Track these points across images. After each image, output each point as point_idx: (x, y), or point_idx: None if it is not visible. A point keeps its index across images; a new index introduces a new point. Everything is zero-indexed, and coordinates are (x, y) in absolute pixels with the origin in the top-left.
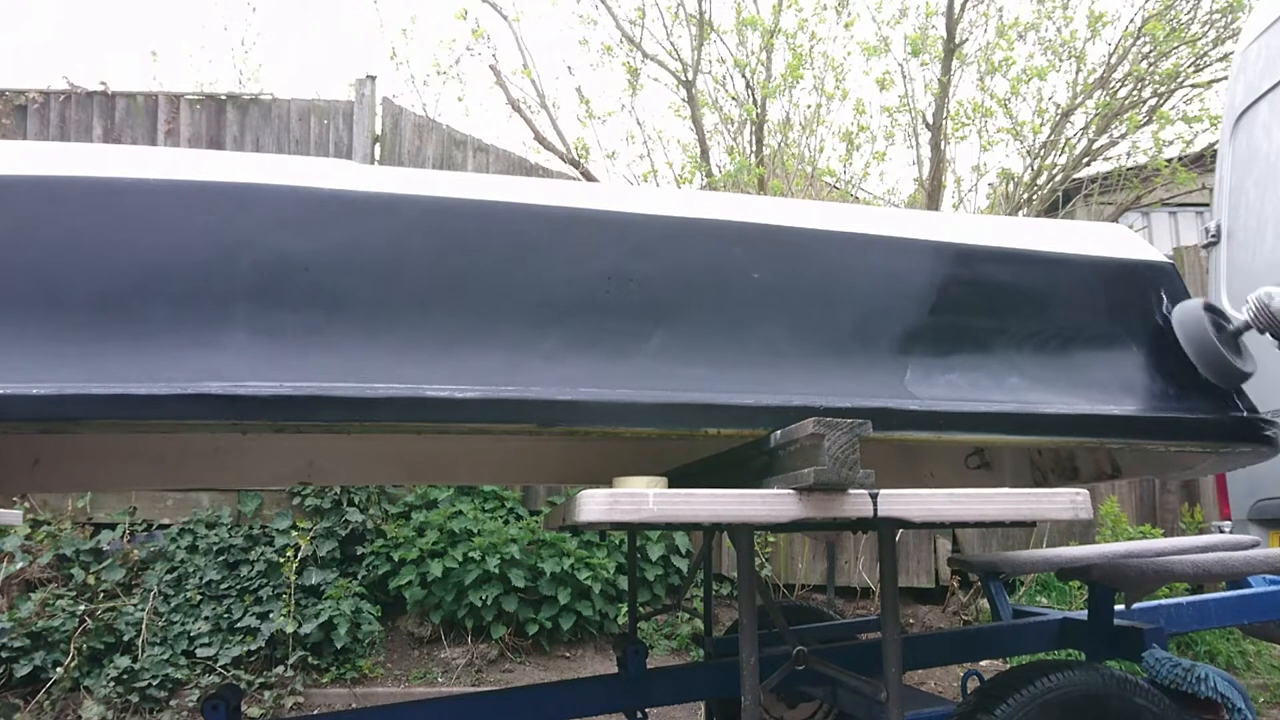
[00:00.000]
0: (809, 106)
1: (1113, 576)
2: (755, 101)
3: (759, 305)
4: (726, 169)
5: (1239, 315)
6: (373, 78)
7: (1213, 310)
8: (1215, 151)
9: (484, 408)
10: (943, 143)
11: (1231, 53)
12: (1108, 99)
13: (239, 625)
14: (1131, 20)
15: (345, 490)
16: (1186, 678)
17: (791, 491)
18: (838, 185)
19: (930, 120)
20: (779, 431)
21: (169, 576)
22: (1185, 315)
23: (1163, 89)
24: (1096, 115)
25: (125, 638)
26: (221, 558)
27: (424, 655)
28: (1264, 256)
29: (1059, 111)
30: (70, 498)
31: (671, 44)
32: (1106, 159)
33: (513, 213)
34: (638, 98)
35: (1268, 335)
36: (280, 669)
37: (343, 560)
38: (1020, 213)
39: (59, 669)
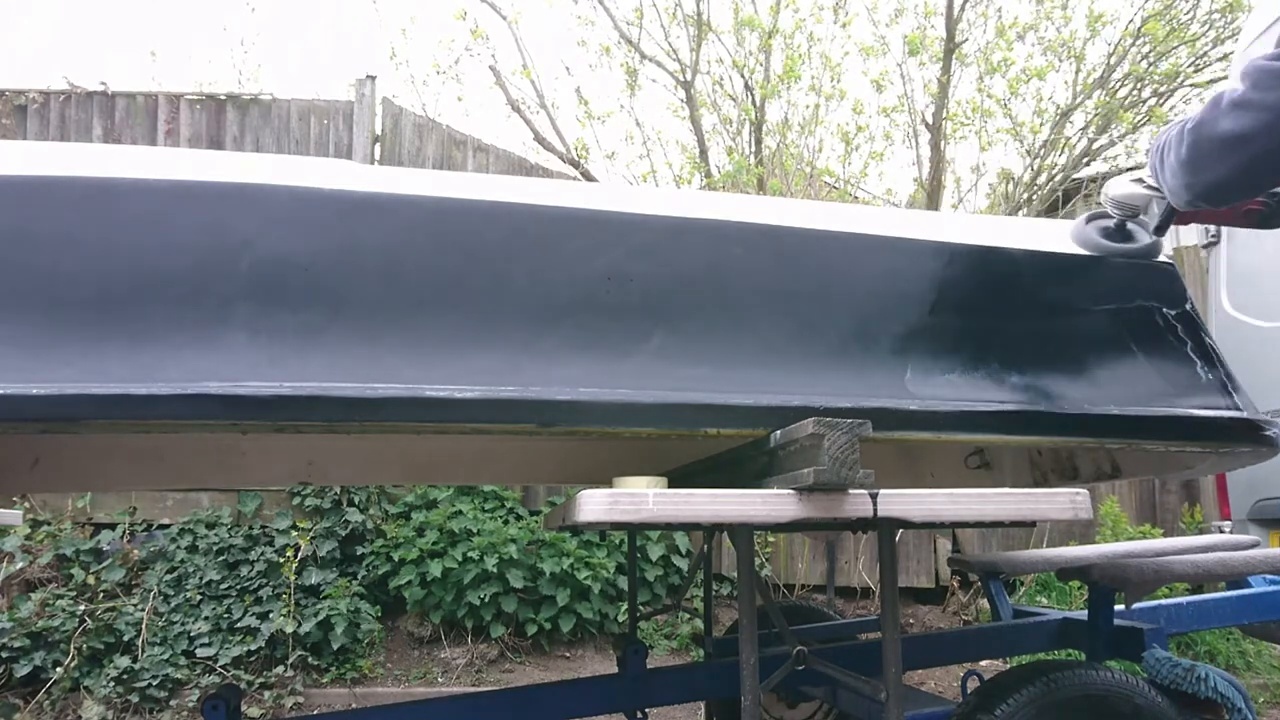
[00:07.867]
0: (807, 107)
1: (1113, 576)
2: (754, 102)
3: (759, 305)
4: (725, 169)
5: (1113, 213)
6: (373, 78)
7: (1092, 219)
8: None
9: (484, 408)
10: (942, 143)
11: (1231, 53)
12: (1107, 99)
13: (239, 625)
14: (1131, 20)
15: (345, 490)
16: (1187, 678)
17: (791, 491)
18: (837, 185)
19: (930, 120)
20: (779, 431)
21: (169, 576)
22: (1078, 237)
23: (1162, 89)
24: (1096, 115)
25: (125, 638)
26: (221, 558)
27: (424, 655)
28: (1264, 256)
29: (1059, 111)
30: (70, 498)
31: (670, 45)
32: (1106, 159)
33: (513, 213)
34: (636, 98)
35: (1146, 218)
36: (280, 669)
37: (342, 560)
38: (1020, 213)
39: (59, 669)
